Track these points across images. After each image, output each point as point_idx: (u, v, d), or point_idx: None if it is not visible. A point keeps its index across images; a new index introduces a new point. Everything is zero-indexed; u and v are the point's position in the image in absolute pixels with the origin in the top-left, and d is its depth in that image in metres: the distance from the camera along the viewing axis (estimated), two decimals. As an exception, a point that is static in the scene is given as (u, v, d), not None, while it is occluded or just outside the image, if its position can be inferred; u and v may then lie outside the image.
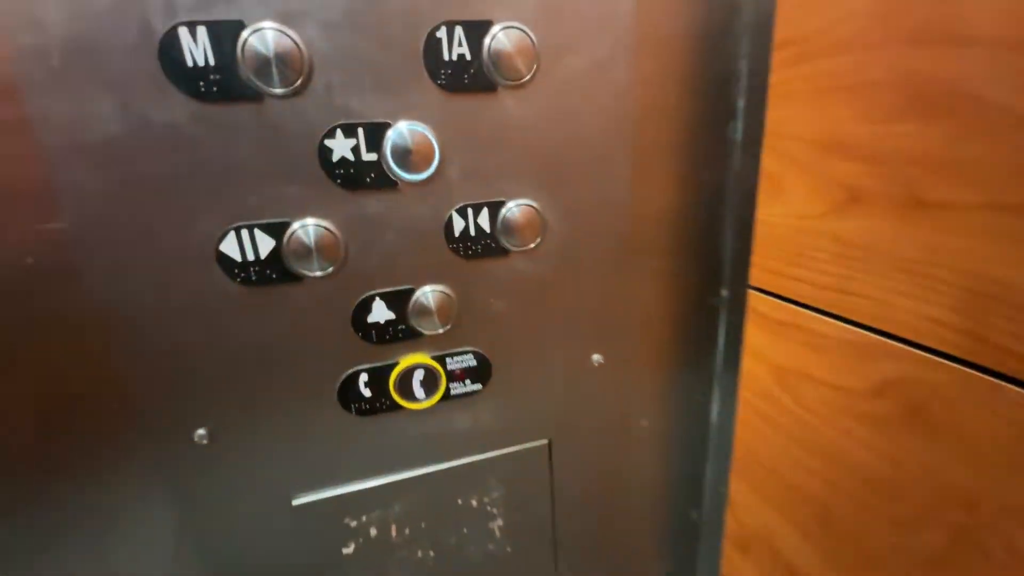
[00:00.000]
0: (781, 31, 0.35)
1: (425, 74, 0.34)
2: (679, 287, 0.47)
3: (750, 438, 0.45)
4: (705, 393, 0.51)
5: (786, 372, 0.39)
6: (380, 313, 0.38)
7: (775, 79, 0.36)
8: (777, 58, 0.35)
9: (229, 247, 0.33)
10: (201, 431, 0.37)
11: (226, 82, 0.30)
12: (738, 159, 0.44)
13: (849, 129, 0.31)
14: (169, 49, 0.29)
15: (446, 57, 0.33)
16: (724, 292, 0.48)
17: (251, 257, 0.34)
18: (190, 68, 0.29)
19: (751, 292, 0.42)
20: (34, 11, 0.27)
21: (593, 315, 0.44)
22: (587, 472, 0.50)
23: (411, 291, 0.38)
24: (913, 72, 0.27)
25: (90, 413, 0.34)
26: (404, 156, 0.35)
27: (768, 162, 0.38)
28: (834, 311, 0.35)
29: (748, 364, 0.44)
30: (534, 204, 0.39)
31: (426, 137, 0.35)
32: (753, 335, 0.43)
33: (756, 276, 0.41)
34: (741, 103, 0.42)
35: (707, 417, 0.52)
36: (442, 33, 0.33)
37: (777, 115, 0.36)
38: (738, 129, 0.43)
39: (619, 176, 0.41)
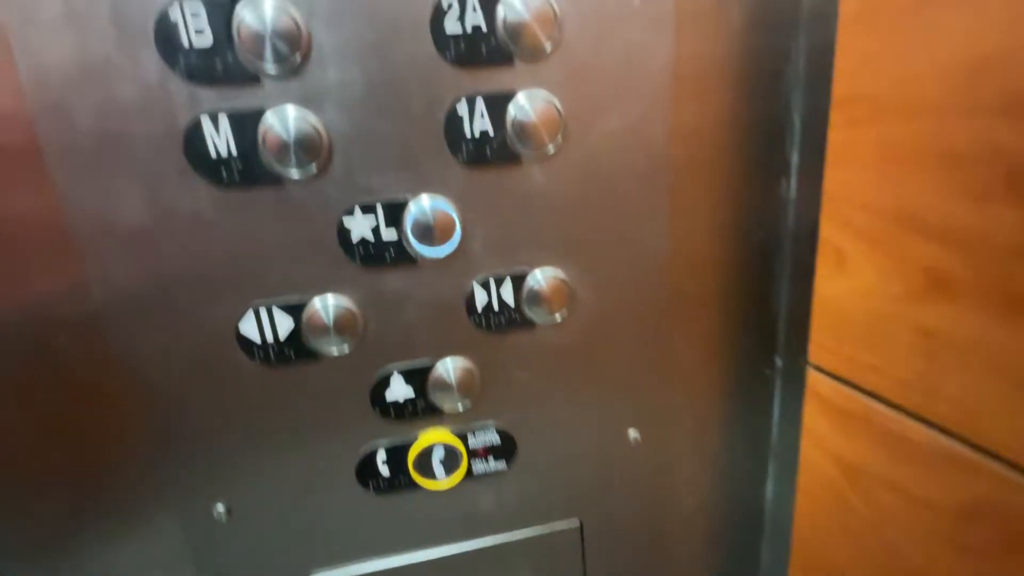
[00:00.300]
0: (841, 86, 0.31)
1: (447, 150, 0.32)
2: (726, 355, 0.42)
3: (812, 535, 0.40)
4: (759, 472, 0.46)
5: (857, 471, 0.34)
6: (399, 390, 0.37)
7: (834, 139, 0.32)
8: (837, 116, 0.31)
9: (248, 328, 0.33)
10: (220, 506, 0.37)
11: (248, 169, 0.30)
12: (792, 218, 0.40)
13: (929, 204, 0.26)
14: (193, 140, 0.29)
15: (468, 134, 0.32)
16: (778, 361, 0.43)
17: (270, 338, 0.33)
18: (213, 158, 0.30)
19: (811, 371, 0.37)
20: (66, 105, 0.28)
21: (628, 388, 0.41)
22: (623, 555, 0.46)
23: (431, 367, 0.37)
24: (1009, 150, 0.23)
25: (111, 487, 0.35)
26: (424, 232, 0.33)
27: (828, 229, 0.33)
28: (916, 411, 0.29)
29: (808, 452, 0.38)
30: (561, 274, 0.37)
31: (447, 213, 0.33)
32: (814, 420, 0.37)
33: (816, 353, 0.36)
34: (795, 158, 0.38)
35: (761, 497, 0.47)
36: (463, 109, 0.32)
37: (838, 178, 0.32)
38: (791, 187, 0.39)
39: (656, 240, 0.38)
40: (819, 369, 0.36)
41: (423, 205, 0.33)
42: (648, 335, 0.40)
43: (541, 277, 0.36)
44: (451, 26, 0.30)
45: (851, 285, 0.32)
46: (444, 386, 0.37)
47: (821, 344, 0.36)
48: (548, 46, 0.31)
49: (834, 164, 0.32)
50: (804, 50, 0.35)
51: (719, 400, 0.43)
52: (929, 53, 0.25)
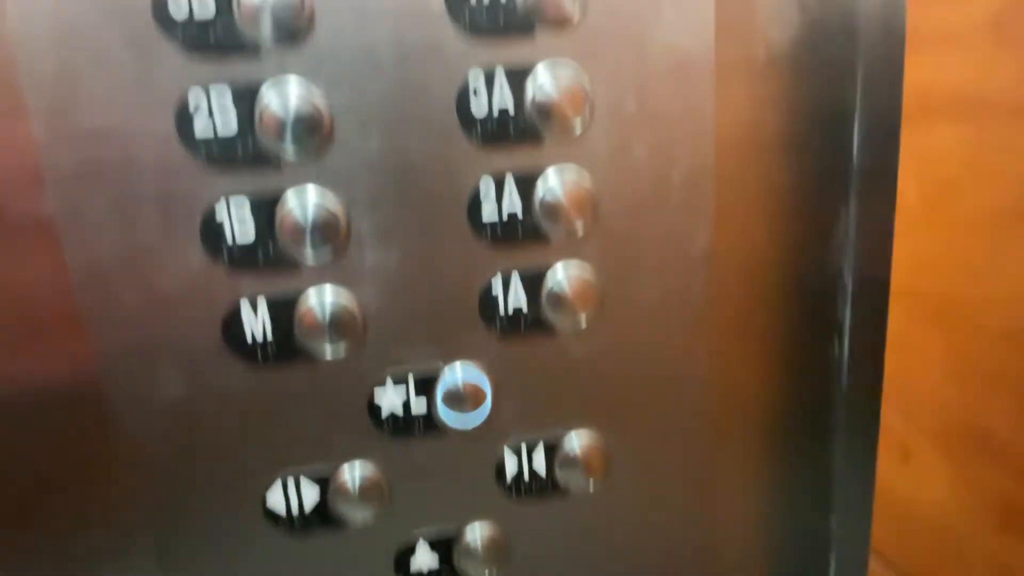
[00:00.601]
0: (899, 278, 0.29)
1: (480, 324, 0.32)
2: (774, 516, 0.39)
3: None
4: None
5: None
6: (424, 558, 0.35)
7: (895, 329, 0.30)
8: (896, 306, 0.29)
9: (275, 500, 0.32)
10: (238, 675, 0.35)
11: (282, 350, 0.30)
12: (845, 380, 0.37)
13: (1008, 433, 0.24)
14: (231, 324, 0.30)
15: (502, 311, 0.31)
16: (833, 524, 0.40)
17: (295, 509, 0.33)
18: (249, 343, 0.30)
19: (875, 558, 0.34)
20: (111, 292, 0.29)
21: (667, 554, 0.38)
22: None
23: (458, 535, 0.35)
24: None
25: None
26: (455, 402, 0.32)
27: (891, 417, 0.31)
28: (1002, 649, 0.26)
29: (873, 651, 0.34)
30: (597, 440, 0.35)
31: (479, 383, 0.32)
32: (878, 616, 0.34)
33: (881, 542, 0.33)
34: (847, 319, 0.36)
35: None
36: (498, 289, 0.31)
37: (899, 367, 0.30)
38: (844, 347, 0.37)
39: (697, 402, 0.36)
40: (884, 559, 0.33)
41: (455, 375, 0.32)
42: (689, 500, 0.37)
43: (576, 443, 0.35)
44: (488, 212, 0.30)
45: (917, 487, 0.29)
46: (471, 554, 0.35)
47: (885, 534, 0.32)
48: (582, 227, 0.31)
49: (896, 352, 0.30)
50: (855, 220, 0.33)
51: (768, 566, 0.40)
52: (1010, 274, 0.23)
